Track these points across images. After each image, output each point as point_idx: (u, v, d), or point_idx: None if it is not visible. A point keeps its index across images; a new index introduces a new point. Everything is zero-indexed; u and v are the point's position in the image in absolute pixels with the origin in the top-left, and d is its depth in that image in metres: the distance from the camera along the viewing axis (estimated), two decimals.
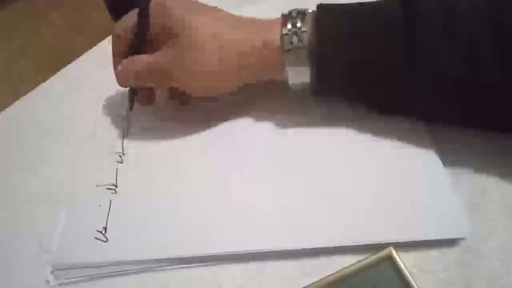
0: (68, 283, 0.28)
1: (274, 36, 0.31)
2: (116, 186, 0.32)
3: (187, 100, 0.38)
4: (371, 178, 0.31)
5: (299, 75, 0.32)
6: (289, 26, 0.31)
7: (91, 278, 0.28)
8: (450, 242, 0.27)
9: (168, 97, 0.38)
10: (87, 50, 0.45)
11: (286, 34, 0.30)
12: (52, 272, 0.28)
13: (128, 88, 0.36)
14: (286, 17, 0.31)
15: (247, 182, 0.32)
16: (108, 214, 0.31)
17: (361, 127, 0.33)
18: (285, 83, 0.33)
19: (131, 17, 0.34)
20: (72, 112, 0.39)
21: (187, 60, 0.31)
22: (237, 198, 0.31)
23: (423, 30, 0.27)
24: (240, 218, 0.29)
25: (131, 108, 0.36)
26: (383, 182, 0.30)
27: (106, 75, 0.42)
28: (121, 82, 0.35)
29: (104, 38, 0.47)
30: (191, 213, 0.30)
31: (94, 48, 0.46)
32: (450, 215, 0.28)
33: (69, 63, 0.44)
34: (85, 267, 0.28)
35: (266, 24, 0.32)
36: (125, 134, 0.36)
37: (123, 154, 0.35)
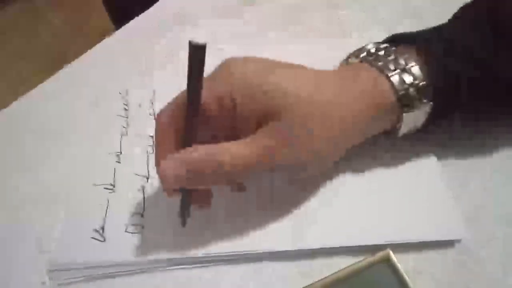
0: (66, 284, 0.28)
1: (386, 95, 0.28)
2: (114, 186, 0.32)
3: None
4: (369, 180, 0.31)
5: (415, 120, 0.29)
6: (396, 78, 0.28)
7: (89, 278, 0.28)
8: (448, 244, 0.28)
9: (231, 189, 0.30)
10: (86, 50, 0.45)
11: (403, 91, 0.27)
12: (49, 273, 0.28)
13: (179, 195, 0.27)
14: (381, 66, 0.28)
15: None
16: (106, 214, 0.31)
17: None
18: None
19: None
20: (72, 112, 0.39)
21: (301, 139, 0.25)
22: (236, 198, 0.31)
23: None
24: (239, 219, 0.29)
25: (184, 222, 0.29)
26: (381, 184, 0.30)
27: (106, 75, 0.42)
28: (182, 183, 0.25)
29: (103, 38, 0.47)
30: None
31: (94, 48, 0.46)
32: (446, 217, 0.28)
33: (69, 63, 0.44)
34: (82, 267, 0.28)
35: (368, 81, 0.28)
36: (123, 134, 0.36)
37: (121, 154, 0.35)
